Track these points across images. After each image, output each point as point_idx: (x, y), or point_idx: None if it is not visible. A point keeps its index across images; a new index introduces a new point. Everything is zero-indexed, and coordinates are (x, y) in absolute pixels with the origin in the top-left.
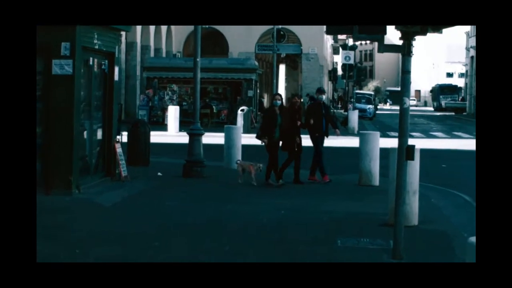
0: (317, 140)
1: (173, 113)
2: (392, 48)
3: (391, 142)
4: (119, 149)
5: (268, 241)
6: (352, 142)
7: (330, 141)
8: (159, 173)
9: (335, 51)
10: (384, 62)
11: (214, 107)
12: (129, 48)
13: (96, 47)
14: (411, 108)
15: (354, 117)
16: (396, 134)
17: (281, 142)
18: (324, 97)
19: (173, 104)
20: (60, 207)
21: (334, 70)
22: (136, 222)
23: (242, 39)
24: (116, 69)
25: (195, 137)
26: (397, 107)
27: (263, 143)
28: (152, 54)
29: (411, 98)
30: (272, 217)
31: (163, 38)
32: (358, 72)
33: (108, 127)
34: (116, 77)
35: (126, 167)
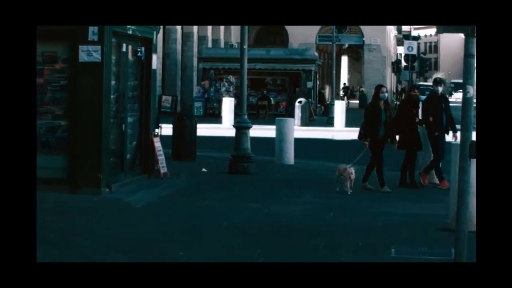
0: (436, 140)
1: (228, 105)
2: (454, 29)
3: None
4: (157, 143)
5: (309, 248)
6: None
7: None
8: (203, 169)
9: (399, 42)
10: (449, 53)
11: (272, 98)
12: (186, 38)
13: (130, 32)
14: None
15: None
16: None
17: (397, 138)
18: (441, 88)
19: (230, 96)
20: (84, 208)
21: (398, 61)
22: (164, 226)
23: (302, 29)
24: (154, 57)
25: (242, 130)
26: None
27: (365, 145)
28: (209, 45)
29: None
30: (319, 220)
31: (221, 28)
32: (421, 63)
33: (146, 119)
34: (154, 66)
35: (166, 163)
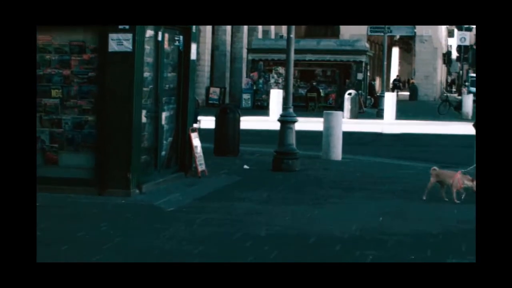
0: None
1: (276, 97)
2: None
3: None
4: (195, 139)
5: (347, 258)
6: (466, 128)
7: (440, 127)
8: (245, 166)
9: (450, 33)
10: None
11: (321, 90)
12: (235, 30)
13: None
14: None
15: (468, 101)
16: None
17: None
18: None
19: (279, 88)
20: (105, 212)
21: (448, 53)
22: (191, 235)
23: None
24: (194, 47)
25: (287, 125)
26: None
27: None
28: (260, 36)
29: None
30: (367, 227)
31: None
32: (474, 54)
33: (183, 114)
34: (193, 56)
35: (205, 160)
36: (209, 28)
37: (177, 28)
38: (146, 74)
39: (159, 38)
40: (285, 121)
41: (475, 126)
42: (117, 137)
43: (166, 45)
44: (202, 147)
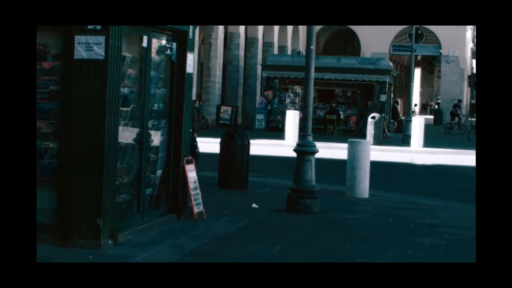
0: None
1: (292, 118)
2: None
3: None
4: (191, 172)
5: None
6: None
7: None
8: (254, 205)
9: (474, 54)
10: None
11: (341, 112)
12: (250, 44)
13: None
14: None
15: None
16: None
17: None
18: None
19: (295, 108)
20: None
21: (474, 75)
22: None
23: (375, 38)
24: (190, 57)
25: (305, 156)
26: None
27: None
28: (275, 51)
29: None
30: None
31: (289, 34)
32: None
33: (176, 141)
34: (189, 69)
35: (204, 196)
36: (221, 41)
37: (169, 32)
38: (125, 90)
39: (144, 43)
40: (303, 151)
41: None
42: (85, 170)
43: (154, 54)
44: (207, 177)
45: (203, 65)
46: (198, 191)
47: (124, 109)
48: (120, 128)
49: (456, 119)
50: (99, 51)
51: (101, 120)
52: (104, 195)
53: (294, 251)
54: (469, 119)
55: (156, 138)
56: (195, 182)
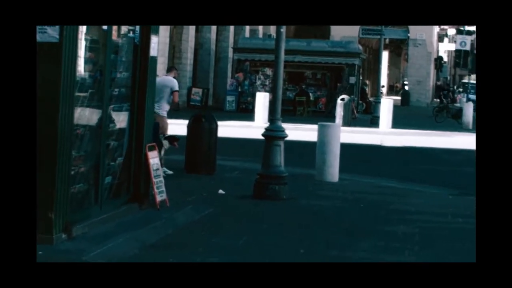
0: None
1: (262, 100)
2: None
3: None
4: (154, 159)
5: None
6: (468, 140)
7: (444, 139)
8: (220, 191)
9: (440, 38)
10: None
11: (311, 94)
12: (221, 28)
13: None
14: None
15: (469, 110)
16: None
17: None
18: None
19: (266, 90)
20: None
21: (440, 58)
22: None
23: None
24: (154, 40)
25: (273, 141)
26: None
27: None
28: (247, 35)
29: None
30: None
31: None
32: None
33: (138, 127)
34: (153, 52)
35: (171, 182)
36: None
37: None
38: (83, 74)
39: (104, 26)
40: (272, 136)
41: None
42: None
43: (114, 36)
44: (174, 161)
45: (174, 47)
46: (161, 178)
47: (82, 94)
48: (77, 114)
49: (445, 101)
50: (53, 33)
51: (55, 106)
52: (57, 186)
53: (261, 242)
54: (435, 100)
55: (116, 124)
56: (157, 169)
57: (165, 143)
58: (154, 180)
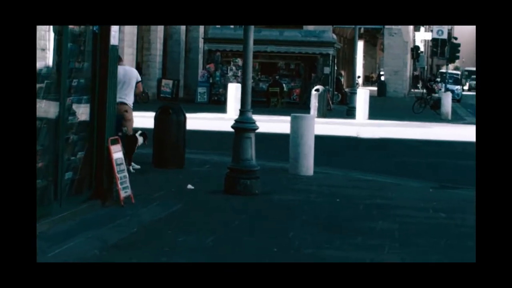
0: None
1: (234, 92)
2: None
3: None
4: (117, 153)
5: None
6: (448, 131)
7: (422, 130)
8: (189, 186)
9: (416, 27)
10: (462, 41)
11: (284, 85)
12: None
13: None
14: None
15: (447, 100)
16: None
17: None
18: None
19: (238, 81)
20: None
21: (417, 47)
22: None
23: None
24: (115, 28)
25: (244, 134)
26: None
27: None
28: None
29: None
30: None
31: None
32: (452, 48)
33: (100, 119)
34: (114, 40)
35: (129, 182)
36: None
37: None
38: (39, 64)
39: None
40: (242, 128)
41: None
42: None
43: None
44: (141, 155)
45: (143, 38)
46: (126, 173)
47: (38, 85)
48: None
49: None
50: None
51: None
52: None
53: (231, 240)
54: (412, 90)
55: (76, 117)
56: (121, 163)
57: (140, 140)
58: (118, 175)
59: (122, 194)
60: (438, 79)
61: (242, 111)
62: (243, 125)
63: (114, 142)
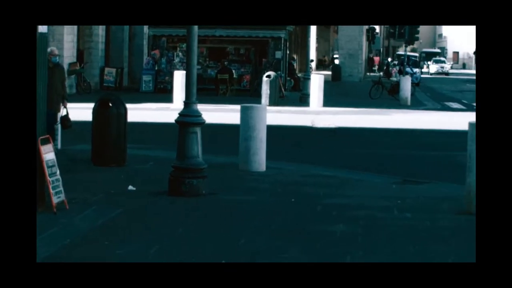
0: None
1: (180, 79)
2: None
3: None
4: (48, 154)
5: None
6: (409, 118)
7: (381, 118)
8: (130, 187)
9: None
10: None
11: (234, 71)
12: None
13: None
14: (455, 71)
15: (406, 84)
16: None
17: None
18: None
19: (185, 68)
20: None
21: (372, 29)
22: None
23: None
24: None
25: (189, 128)
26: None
27: None
28: None
29: (447, 62)
30: None
31: None
32: (410, 30)
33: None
34: (42, 28)
35: (62, 186)
36: None
37: None
38: None
39: None
40: (187, 123)
41: None
42: None
43: None
44: (80, 152)
45: None
46: (58, 176)
47: None
48: None
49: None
50: None
51: None
52: None
53: (175, 251)
54: (368, 74)
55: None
56: (53, 165)
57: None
58: (49, 178)
59: (55, 199)
60: (396, 62)
61: (187, 103)
62: (188, 119)
63: (45, 141)
